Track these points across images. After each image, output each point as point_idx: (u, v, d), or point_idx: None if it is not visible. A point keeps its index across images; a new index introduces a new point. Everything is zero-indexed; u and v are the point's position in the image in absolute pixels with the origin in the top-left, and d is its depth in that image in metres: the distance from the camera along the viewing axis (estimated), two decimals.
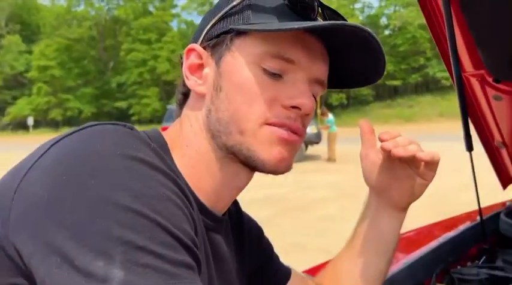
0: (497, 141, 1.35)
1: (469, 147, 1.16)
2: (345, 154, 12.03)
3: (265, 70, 0.59)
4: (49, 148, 0.50)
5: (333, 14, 0.64)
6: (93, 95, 39.47)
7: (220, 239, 0.67)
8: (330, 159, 11.62)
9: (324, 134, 11.88)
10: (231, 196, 0.68)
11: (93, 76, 41.31)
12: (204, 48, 0.63)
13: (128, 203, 0.43)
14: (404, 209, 0.79)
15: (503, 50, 1.05)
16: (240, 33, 0.60)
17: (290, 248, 4.10)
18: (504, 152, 1.38)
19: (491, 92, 1.17)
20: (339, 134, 11.90)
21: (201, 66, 0.64)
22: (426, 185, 0.74)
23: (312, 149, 12.83)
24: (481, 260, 1.19)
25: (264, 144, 0.59)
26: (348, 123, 26.87)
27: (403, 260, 1.09)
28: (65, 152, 0.48)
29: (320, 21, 0.60)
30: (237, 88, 0.59)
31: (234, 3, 0.61)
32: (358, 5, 37.08)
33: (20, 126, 39.59)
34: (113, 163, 0.46)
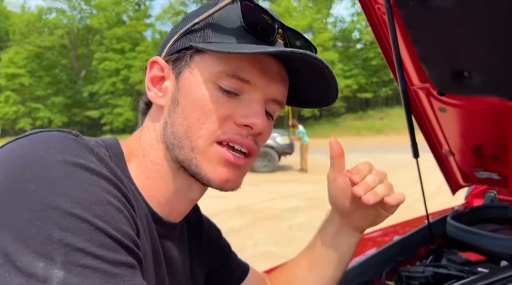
0: (445, 150, 1.45)
1: (415, 154, 1.25)
2: (317, 165, 12.19)
3: (220, 88, 0.61)
4: None
5: (294, 34, 0.66)
6: (64, 104, 38.57)
7: (172, 244, 0.70)
8: (303, 169, 11.76)
9: (297, 145, 12.03)
10: (185, 207, 0.70)
11: (64, 85, 40.42)
12: (167, 61, 0.65)
13: (68, 208, 0.45)
14: (363, 231, 0.85)
15: (445, 65, 1.15)
16: (199, 50, 0.62)
17: (261, 257, 4.14)
18: (452, 160, 1.48)
19: (436, 104, 1.27)
20: (312, 145, 12.08)
21: (162, 79, 0.66)
22: (387, 216, 0.79)
23: (284, 160, 12.95)
24: (428, 260, 1.28)
25: (211, 163, 0.62)
26: (321, 134, 27.23)
27: (356, 259, 1.16)
28: (7, 159, 0.49)
29: (276, 47, 0.62)
30: (192, 104, 0.61)
31: (196, 20, 0.62)
32: (331, 19, 37.88)
33: None
34: (54, 169, 0.48)
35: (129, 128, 33.71)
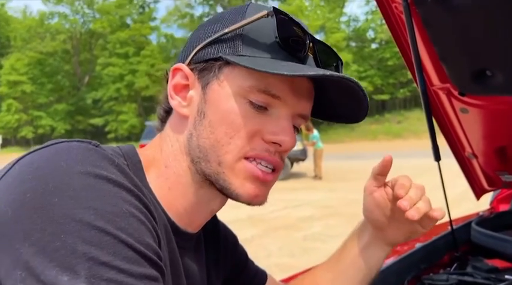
0: (468, 152, 1.46)
1: (437, 157, 1.26)
2: (332, 171, 12.15)
3: (251, 103, 0.62)
4: (13, 165, 0.53)
5: (324, 48, 0.68)
6: (66, 112, 39.13)
7: (189, 255, 0.73)
8: (317, 177, 11.73)
9: (310, 151, 12.02)
10: (205, 218, 0.72)
11: (67, 91, 41.04)
12: (192, 69, 0.66)
13: (91, 221, 0.47)
14: (394, 245, 0.86)
15: (466, 65, 1.16)
16: (228, 62, 0.62)
17: (275, 269, 4.15)
18: (475, 163, 1.49)
19: (457, 105, 1.28)
20: (326, 151, 12.06)
21: (186, 87, 0.67)
22: (422, 233, 0.81)
23: (297, 167, 12.94)
24: (453, 267, 1.29)
25: (239, 178, 0.63)
26: (335, 139, 27.16)
27: None
28: (29, 170, 0.50)
29: (308, 67, 0.63)
30: (221, 118, 0.62)
31: (226, 30, 0.63)
32: (344, 18, 37.91)
33: None
34: (75, 181, 0.49)
35: (134, 135, 34.02)
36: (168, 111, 0.71)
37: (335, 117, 0.74)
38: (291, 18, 0.63)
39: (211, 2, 39.39)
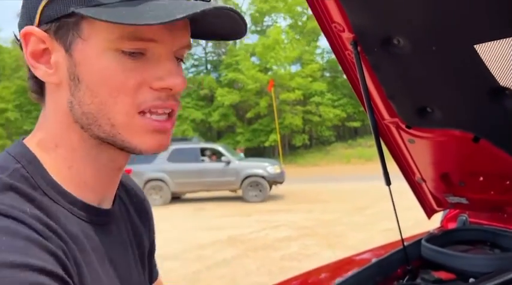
0: (417, 177, 1.58)
1: (387, 182, 1.38)
2: (308, 194, 12.26)
3: (124, 52, 0.55)
4: None
5: None
6: None
7: (108, 230, 0.67)
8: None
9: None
10: (115, 180, 0.67)
11: None
12: (45, 31, 0.56)
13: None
14: None
15: (410, 102, 1.30)
16: (84, 16, 0.53)
17: None
18: (424, 186, 1.61)
19: (405, 136, 1.41)
20: (303, 174, 12.17)
21: (46, 52, 0.58)
22: None
23: (275, 189, 13.01)
24: (405, 280, 1.39)
25: (139, 134, 0.58)
26: (312, 162, 27.40)
27: (336, 280, 1.27)
28: None
29: (178, 2, 0.54)
30: (98, 79, 0.55)
31: None
32: (318, 51, 38.73)
33: None
34: None
35: None
36: (40, 82, 0.61)
37: (216, 35, 0.66)
38: None
39: None
